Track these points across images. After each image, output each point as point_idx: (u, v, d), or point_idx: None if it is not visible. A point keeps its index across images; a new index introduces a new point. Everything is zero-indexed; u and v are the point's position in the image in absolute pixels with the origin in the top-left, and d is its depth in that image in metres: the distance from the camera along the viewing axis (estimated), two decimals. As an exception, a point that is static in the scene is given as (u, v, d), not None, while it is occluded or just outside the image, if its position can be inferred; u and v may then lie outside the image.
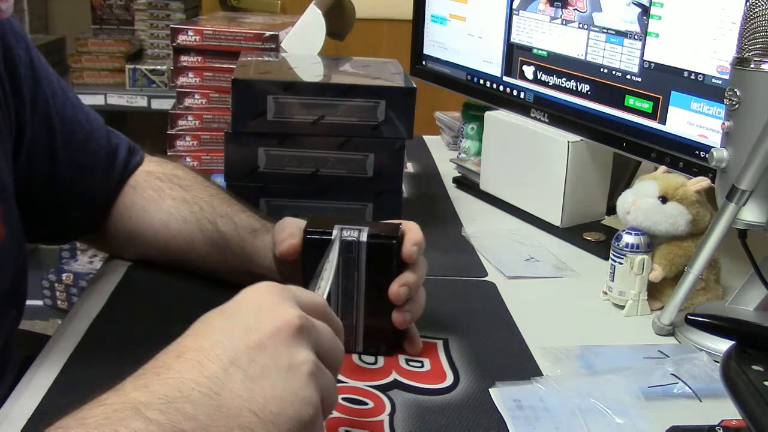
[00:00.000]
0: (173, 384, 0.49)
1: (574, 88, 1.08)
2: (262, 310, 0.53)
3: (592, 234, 1.06)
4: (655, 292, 0.89)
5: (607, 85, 1.02)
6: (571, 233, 1.08)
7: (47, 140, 0.83)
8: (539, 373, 0.74)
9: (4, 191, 0.76)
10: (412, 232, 0.74)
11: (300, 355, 0.52)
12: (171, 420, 0.47)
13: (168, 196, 0.88)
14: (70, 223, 0.89)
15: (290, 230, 0.77)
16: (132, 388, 0.49)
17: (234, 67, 1.05)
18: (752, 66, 0.74)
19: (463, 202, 1.22)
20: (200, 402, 0.48)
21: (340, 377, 0.72)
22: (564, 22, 1.07)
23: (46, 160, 0.83)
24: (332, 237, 0.72)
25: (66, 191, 0.86)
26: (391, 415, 0.67)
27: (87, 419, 0.47)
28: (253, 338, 0.51)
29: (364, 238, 0.72)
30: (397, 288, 0.72)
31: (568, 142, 1.06)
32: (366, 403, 0.68)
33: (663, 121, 0.95)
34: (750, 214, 0.77)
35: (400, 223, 0.75)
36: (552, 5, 1.08)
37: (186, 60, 1.24)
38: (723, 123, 0.78)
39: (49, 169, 0.83)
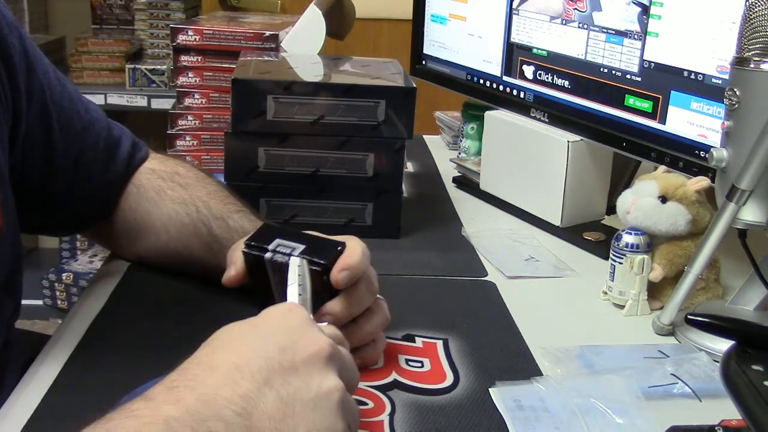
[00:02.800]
0: (206, 400, 0.48)
1: (574, 88, 1.08)
2: (296, 332, 0.53)
3: (592, 234, 1.06)
4: (655, 291, 0.89)
5: (607, 85, 1.02)
6: (571, 233, 1.08)
7: (44, 130, 0.82)
8: (539, 373, 0.74)
9: (1, 179, 0.76)
10: (348, 255, 0.68)
11: (330, 383, 0.52)
12: None
13: (168, 198, 0.88)
14: (70, 214, 0.89)
15: (233, 256, 0.75)
16: (164, 401, 0.48)
17: (234, 66, 1.05)
18: (752, 66, 0.74)
19: (463, 202, 1.22)
20: (232, 422, 0.48)
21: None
22: (564, 22, 1.07)
23: (43, 150, 0.83)
24: (267, 253, 0.69)
25: (65, 182, 0.85)
26: (391, 415, 0.67)
27: (117, 431, 0.46)
28: (287, 359, 0.51)
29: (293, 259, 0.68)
30: (317, 318, 0.65)
31: (568, 141, 1.06)
32: (366, 403, 0.68)
33: (663, 121, 0.95)
34: (750, 213, 0.77)
35: (343, 244, 0.70)
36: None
37: (186, 60, 1.24)
38: (723, 123, 0.78)
39: (47, 159, 0.83)
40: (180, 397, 0.48)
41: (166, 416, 0.47)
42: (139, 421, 0.47)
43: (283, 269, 0.68)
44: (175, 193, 0.89)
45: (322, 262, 0.68)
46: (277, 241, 0.71)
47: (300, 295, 0.64)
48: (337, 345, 0.55)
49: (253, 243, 0.72)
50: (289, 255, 0.69)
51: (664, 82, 0.94)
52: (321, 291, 0.68)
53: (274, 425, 0.49)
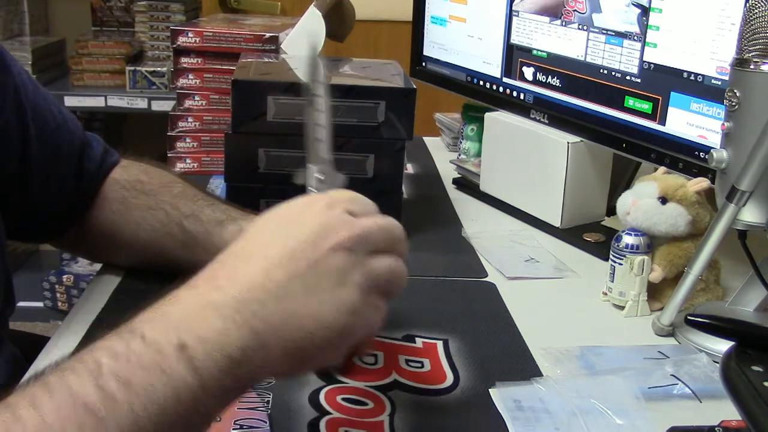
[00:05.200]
0: (244, 285, 0.53)
1: (574, 89, 1.08)
2: (324, 228, 0.57)
3: (592, 235, 1.06)
4: (655, 292, 0.89)
5: (607, 86, 1.02)
6: (571, 234, 1.08)
7: (20, 129, 0.82)
8: (539, 374, 0.74)
9: None
10: None
11: (353, 278, 0.56)
12: (246, 320, 0.51)
13: (133, 206, 0.88)
14: (44, 217, 0.88)
15: None
16: (207, 289, 0.53)
17: (234, 68, 1.05)
18: (752, 67, 0.74)
19: (463, 203, 1.22)
20: (269, 305, 0.53)
21: (340, 378, 0.72)
22: (564, 23, 1.07)
23: (20, 146, 0.82)
24: None
25: (41, 180, 0.85)
26: (391, 415, 0.67)
27: (169, 314, 0.51)
28: (315, 255, 0.55)
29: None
30: None
31: (568, 143, 1.06)
32: (366, 404, 0.68)
33: (663, 122, 0.95)
34: (750, 214, 0.77)
35: None
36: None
37: (186, 61, 1.24)
38: (723, 124, 0.78)
39: (22, 156, 0.83)
40: (220, 285, 0.53)
41: (212, 301, 0.52)
42: (187, 305, 0.52)
43: None
44: (139, 201, 0.88)
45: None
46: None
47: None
48: (370, 231, 0.58)
49: None
50: None
51: (664, 83, 0.94)
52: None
53: (303, 310, 0.53)
